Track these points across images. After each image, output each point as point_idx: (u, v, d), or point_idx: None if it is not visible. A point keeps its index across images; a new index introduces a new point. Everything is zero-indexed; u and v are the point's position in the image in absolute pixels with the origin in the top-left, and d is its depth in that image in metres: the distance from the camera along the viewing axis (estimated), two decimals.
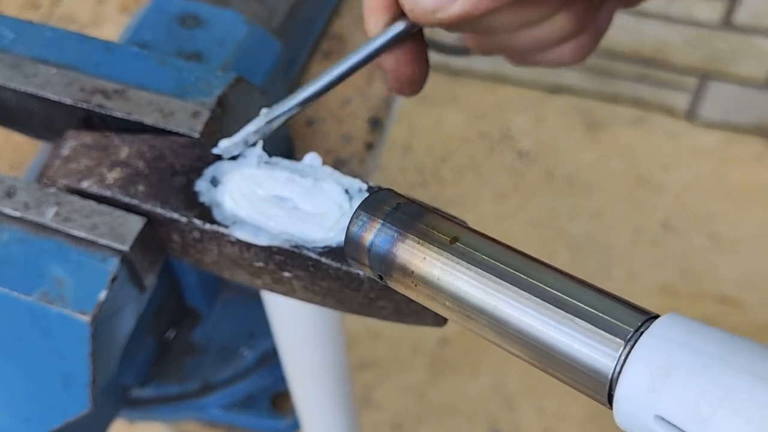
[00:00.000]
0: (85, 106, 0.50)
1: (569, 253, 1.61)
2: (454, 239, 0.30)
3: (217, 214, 0.46)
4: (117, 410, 0.71)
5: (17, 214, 0.47)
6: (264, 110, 0.46)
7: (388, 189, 0.34)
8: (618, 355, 0.27)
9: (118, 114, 0.49)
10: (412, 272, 0.31)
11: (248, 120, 0.47)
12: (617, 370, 0.27)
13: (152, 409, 0.74)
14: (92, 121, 0.51)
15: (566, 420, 1.45)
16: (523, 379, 1.48)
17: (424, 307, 0.44)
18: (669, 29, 1.64)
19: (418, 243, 0.31)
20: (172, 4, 0.61)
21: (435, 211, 0.33)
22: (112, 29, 0.78)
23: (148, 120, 0.49)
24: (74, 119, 0.51)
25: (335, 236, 0.43)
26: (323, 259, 0.43)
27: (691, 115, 1.76)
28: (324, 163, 0.46)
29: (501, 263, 0.29)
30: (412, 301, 0.44)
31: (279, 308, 0.58)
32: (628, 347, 0.27)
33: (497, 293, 0.29)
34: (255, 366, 0.74)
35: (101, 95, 0.50)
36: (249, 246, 0.45)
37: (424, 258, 0.30)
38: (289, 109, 0.45)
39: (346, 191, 0.45)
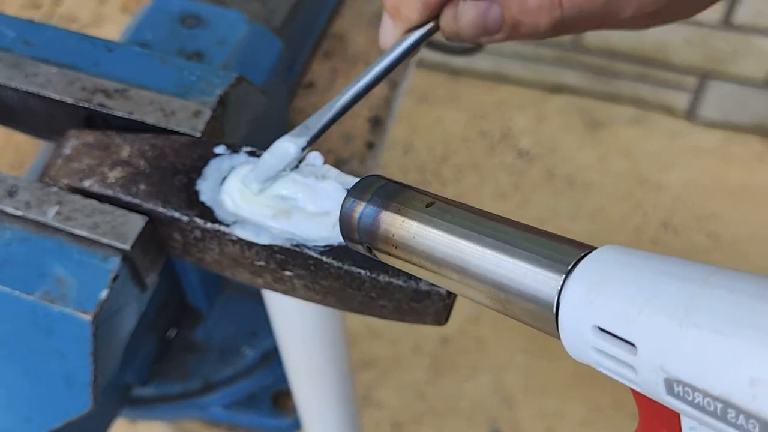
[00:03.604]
0: (86, 105, 0.50)
1: None
2: (429, 204, 0.34)
3: (218, 213, 0.46)
4: (118, 409, 0.71)
5: (19, 213, 0.47)
6: (288, 140, 0.44)
7: (375, 174, 0.38)
8: (561, 281, 0.28)
9: (120, 113, 0.49)
10: (393, 235, 0.34)
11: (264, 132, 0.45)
12: (559, 294, 0.28)
13: (153, 408, 0.74)
14: (94, 120, 0.51)
15: (566, 420, 1.45)
16: (523, 378, 1.48)
17: (424, 305, 0.44)
18: (669, 28, 1.64)
19: (398, 211, 0.34)
20: (173, 3, 0.61)
21: (416, 188, 0.36)
22: (112, 29, 0.78)
23: (150, 119, 0.49)
24: (76, 118, 0.51)
25: (336, 235, 0.43)
26: (324, 258, 0.43)
27: (690, 114, 1.76)
28: (325, 162, 0.46)
29: (467, 220, 0.32)
30: (412, 299, 0.44)
31: (280, 307, 0.58)
32: (569, 274, 0.28)
33: (461, 244, 0.32)
34: (256, 365, 0.74)
35: (102, 94, 0.50)
36: (250, 245, 0.45)
37: (403, 221, 0.34)
38: (323, 128, 0.44)
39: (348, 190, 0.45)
